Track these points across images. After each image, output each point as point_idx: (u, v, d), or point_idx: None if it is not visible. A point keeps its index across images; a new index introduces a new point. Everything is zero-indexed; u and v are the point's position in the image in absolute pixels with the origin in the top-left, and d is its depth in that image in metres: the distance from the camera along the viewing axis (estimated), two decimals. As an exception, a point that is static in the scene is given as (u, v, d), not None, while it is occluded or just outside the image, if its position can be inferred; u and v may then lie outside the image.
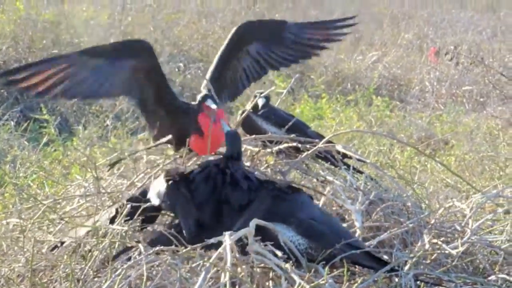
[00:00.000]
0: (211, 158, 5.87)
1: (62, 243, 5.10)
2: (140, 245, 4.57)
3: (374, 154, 8.71)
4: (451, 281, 4.81)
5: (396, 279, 4.69)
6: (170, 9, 18.60)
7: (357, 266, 4.85)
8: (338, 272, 4.52)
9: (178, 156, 5.93)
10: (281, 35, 6.24)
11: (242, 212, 4.78)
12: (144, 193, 5.06)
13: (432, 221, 5.41)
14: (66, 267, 4.93)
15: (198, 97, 5.75)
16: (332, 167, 6.14)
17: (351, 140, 9.72)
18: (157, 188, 4.96)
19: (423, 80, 15.61)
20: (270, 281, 4.66)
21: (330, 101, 12.99)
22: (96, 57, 5.51)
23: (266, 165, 6.02)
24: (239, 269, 4.48)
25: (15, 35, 14.30)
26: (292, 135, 6.08)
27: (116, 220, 4.98)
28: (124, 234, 5.07)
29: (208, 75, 6.08)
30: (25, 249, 5.18)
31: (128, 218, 4.97)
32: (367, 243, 5.06)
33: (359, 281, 4.61)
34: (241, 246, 4.46)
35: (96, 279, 4.72)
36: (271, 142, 6.10)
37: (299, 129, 6.43)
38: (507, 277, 5.00)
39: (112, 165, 6.12)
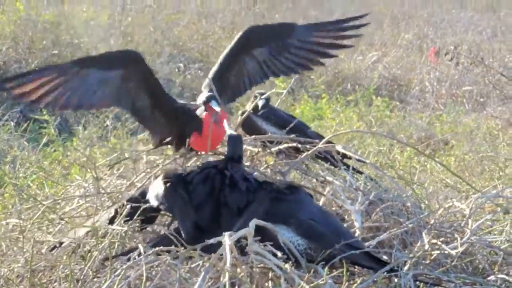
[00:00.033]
0: (211, 158, 5.88)
1: (61, 243, 5.11)
2: (139, 245, 4.57)
3: (374, 154, 8.71)
4: (450, 281, 4.81)
5: (396, 280, 4.69)
6: (170, 9, 18.61)
7: (356, 267, 4.85)
8: (337, 273, 4.52)
9: (178, 156, 5.94)
10: (288, 41, 6.19)
11: (240, 214, 4.78)
12: (143, 194, 5.06)
13: (432, 221, 5.41)
14: (65, 268, 4.93)
15: (202, 97, 5.73)
16: (332, 167, 6.14)
17: (351, 140, 9.72)
18: (156, 190, 4.97)
19: (423, 80, 15.61)
20: (270, 282, 4.66)
21: (330, 102, 12.99)
22: (87, 67, 5.52)
23: (266, 165, 6.02)
24: (238, 270, 4.47)
25: (15, 35, 14.30)
26: (292, 136, 6.07)
27: (115, 220, 4.99)
28: (123, 234, 5.07)
29: (210, 75, 6.07)
30: (24, 250, 5.19)
31: (128, 218, 4.98)
32: (366, 244, 5.06)
33: (358, 282, 4.61)
34: (240, 247, 4.46)
35: (95, 279, 4.73)
36: (271, 142, 6.09)
37: (299, 129, 6.43)
38: (507, 277, 5.00)
39: (112, 165, 6.13)
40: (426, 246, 5.07)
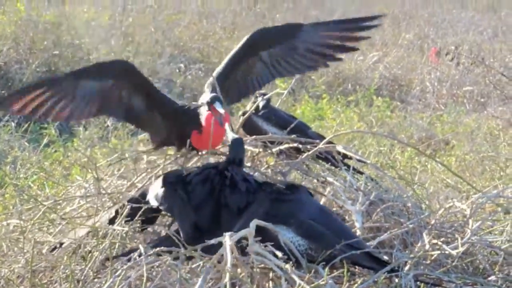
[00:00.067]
0: (212, 159, 5.88)
1: (62, 244, 5.11)
2: (140, 246, 4.57)
3: (374, 154, 8.71)
4: (451, 282, 4.81)
5: (396, 280, 4.69)
6: (171, 10, 18.61)
7: (357, 267, 4.85)
8: (338, 273, 4.52)
9: (179, 155, 5.94)
10: (295, 42, 6.17)
11: (240, 215, 4.78)
12: (143, 194, 5.07)
13: (432, 222, 5.41)
14: (66, 268, 4.94)
15: (206, 97, 5.73)
16: (333, 167, 6.13)
17: (352, 140, 9.72)
18: (155, 190, 4.97)
19: (424, 81, 15.61)
20: (270, 282, 4.66)
21: (330, 102, 12.99)
22: (79, 79, 5.55)
23: (267, 166, 6.02)
24: (239, 270, 4.48)
25: (16, 36, 14.31)
26: (293, 136, 6.07)
27: (116, 221, 5.00)
28: (124, 235, 5.08)
29: (214, 75, 6.06)
30: (25, 250, 5.20)
31: (128, 219, 4.98)
32: (367, 244, 5.05)
33: (359, 282, 4.61)
34: (241, 247, 4.46)
35: (96, 280, 4.73)
36: (271, 142, 6.09)
37: (300, 129, 6.43)
38: (507, 277, 5.00)
39: (110, 164, 6.14)
40: (427, 246, 5.06)
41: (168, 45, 16.23)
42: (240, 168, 5.07)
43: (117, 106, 5.71)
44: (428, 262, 5.03)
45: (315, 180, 6.11)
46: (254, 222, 4.48)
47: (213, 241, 4.42)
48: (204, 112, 5.60)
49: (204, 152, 5.88)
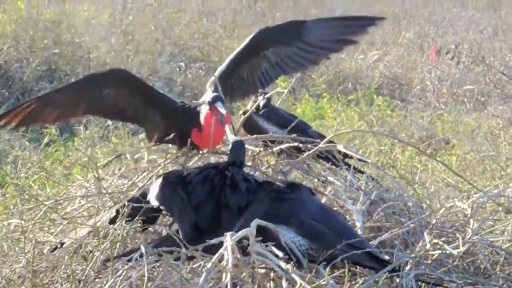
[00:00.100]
0: (213, 158, 5.89)
1: (62, 244, 5.11)
2: (141, 246, 4.57)
3: (375, 154, 8.71)
4: (452, 281, 4.81)
5: (398, 280, 4.68)
6: (171, 8, 18.63)
7: (358, 267, 4.85)
8: (339, 273, 4.52)
9: (179, 155, 5.94)
10: (299, 39, 6.17)
11: (241, 214, 4.78)
12: (144, 194, 5.07)
13: (433, 221, 5.41)
14: (67, 268, 4.94)
15: (208, 96, 5.73)
16: (333, 167, 6.14)
17: (352, 140, 9.72)
18: (156, 190, 4.97)
19: (424, 80, 15.62)
20: (271, 282, 4.66)
21: (331, 101, 12.99)
22: (81, 90, 5.62)
23: (267, 165, 6.02)
24: (240, 270, 4.47)
25: (16, 34, 14.32)
26: (293, 135, 6.07)
27: (117, 221, 5.00)
28: (125, 235, 5.07)
29: (217, 74, 6.06)
30: (26, 250, 5.20)
31: (129, 219, 4.98)
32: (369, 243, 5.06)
33: (360, 282, 4.60)
34: (242, 247, 4.46)
35: (97, 280, 4.74)
36: (272, 142, 6.09)
37: (300, 129, 6.43)
38: (508, 277, 5.01)
39: (108, 163, 6.16)
40: (428, 246, 5.06)
41: (168, 44, 16.24)
42: (240, 169, 5.07)
43: (113, 111, 5.77)
44: (429, 261, 5.03)
45: (315, 180, 6.11)
46: (255, 222, 4.47)
47: (214, 241, 4.42)
48: (205, 111, 5.60)
49: (204, 151, 5.88)
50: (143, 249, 4.50)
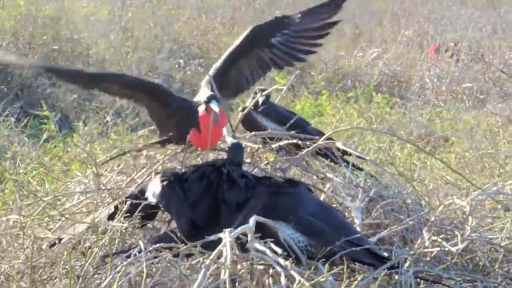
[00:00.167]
0: (211, 154, 5.89)
1: (61, 240, 5.11)
2: (140, 242, 4.57)
3: (374, 151, 8.72)
4: (451, 279, 4.82)
5: (396, 277, 4.68)
6: (170, 5, 18.57)
7: (357, 263, 4.85)
8: (338, 270, 4.52)
9: (178, 151, 5.94)
10: (288, 32, 6.21)
11: (239, 210, 4.78)
12: (142, 191, 5.07)
13: (432, 219, 5.41)
14: (66, 264, 4.94)
15: (202, 95, 5.74)
16: (332, 164, 6.14)
17: (351, 137, 9.72)
18: (153, 188, 4.97)
19: (423, 77, 15.60)
20: (270, 278, 4.66)
21: (330, 98, 12.98)
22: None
23: (266, 162, 6.02)
24: (239, 266, 4.47)
25: (15, 31, 14.29)
26: (292, 132, 6.07)
27: (115, 217, 5.00)
28: (124, 231, 5.08)
29: (211, 72, 6.08)
30: (25, 246, 5.19)
31: (128, 215, 4.99)
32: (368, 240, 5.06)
33: (359, 278, 4.61)
34: (241, 243, 4.46)
35: (96, 275, 4.73)
36: (271, 139, 6.10)
37: (299, 125, 6.43)
38: (507, 275, 5.01)
39: (106, 162, 6.18)
40: (427, 243, 5.07)
41: (168, 40, 16.20)
42: (238, 167, 5.07)
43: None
44: (428, 259, 5.04)
45: (314, 177, 6.11)
46: (254, 218, 4.47)
47: (212, 237, 4.43)
48: (201, 111, 5.62)
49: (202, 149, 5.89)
50: (142, 245, 4.51)
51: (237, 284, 4.46)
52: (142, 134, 8.27)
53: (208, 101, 5.54)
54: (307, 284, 4.21)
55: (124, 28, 16.29)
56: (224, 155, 5.62)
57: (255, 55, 6.16)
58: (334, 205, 5.69)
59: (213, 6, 19.37)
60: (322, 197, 5.69)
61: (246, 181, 4.89)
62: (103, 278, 4.54)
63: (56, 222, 5.58)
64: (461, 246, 5.04)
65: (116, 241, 5.02)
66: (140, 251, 4.50)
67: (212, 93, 5.68)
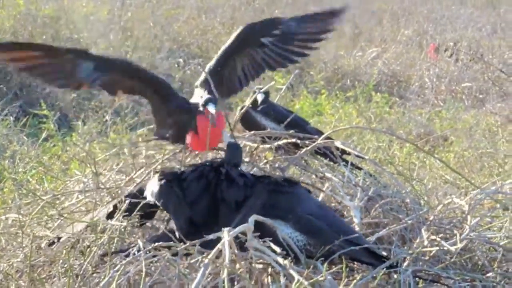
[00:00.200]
0: (210, 155, 5.89)
1: (59, 238, 5.11)
2: (139, 241, 4.58)
3: (373, 150, 8.72)
4: (449, 278, 4.81)
5: (395, 276, 4.68)
6: (170, 4, 18.58)
7: (356, 263, 4.85)
8: (337, 269, 4.52)
9: (177, 151, 5.94)
10: (281, 32, 6.20)
11: (239, 209, 4.78)
12: (141, 190, 5.08)
13: (431, 218, 5.42)
14: (64, 263, 4.94)
15: (198, 96, 5.75)
16: (331, 163, 6.14)
17: (350, 136, 9.72)
18: (152, 187, 4.98)
19: (423, 77, 15.60)
20: (269, 277, 4.66)
21: (329, 97, 12.98)
22: (82, 59, 5.56)
23: (265, 161, 6.02)
24: (237, 265, 4.47)
25: (14, 30, 14.29)
26: (291, 131, 6.08)
27: (114, 215, 5.00)
28: (123, 230, 5.08)
29: (207, 70, 6.07)
30: (23, 245, 5.19)
31: (127, 214, 4.99)
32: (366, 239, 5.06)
33: (358, 278, 4.60)
34: (240, 242, 4.46)
35: (94, 274, 4.73)
36: (270, 138, 6.10)
37: (298, 125, 6.44)
38: (506, 274, 5.01)
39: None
40: (425, 242, 5.07)
41: (167, 40, 16.21)
42: (235, 167, 5.08)
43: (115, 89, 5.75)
44: (427, 258, 5.04)
45: (313, 176, 6.12)
46: (253, 218, 4.47)
47: (211, 236, 4.43)
48: (199, 114, 5.62)
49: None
50: (141, 244, 4.51)
51: (236, 283, 4.46)
52: (141, 133, 8.26)
53: (205, 104, 5.54)
54: (306, 283, 4.21)
55: (124, 28, 16.29)
56: (222, 155, 5.62)
57: (247, 54, 6.14)
58: (333, 204, 5.70)
59: (213, 6, 19.38)
60: (321, 196, 5.69)
61: (245, 180, 4.89)
62: (102, 277, 4.54)
63: (55, 221, 5.58)
64: (460, 245, 5.04)
65: (115, 240, 5.02)
66: (139, 250, 4.50)
67: (209, 96, 5.67)
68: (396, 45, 18.29)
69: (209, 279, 4.41)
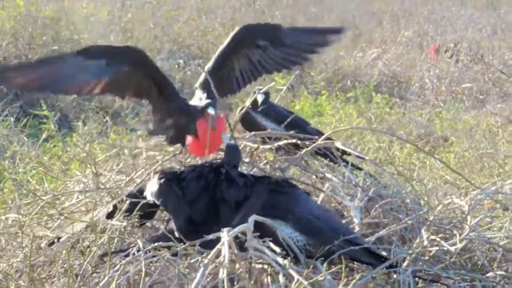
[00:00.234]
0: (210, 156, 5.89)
1: (59, 238, 5.11)
2: (139, 241, 4.58)
3: (373, 150, 8.72)
4: (449, 278, 4.81)
5: (395, 276, 4.68)
6: (170, 5, 18.58)
7: (355, 262, 4.85)
8: (336, 269, 4.52)
9: (178, 152, 5.94)
10: (278, 38, 6.19)
11: (239, 209, 4.78)
12: (141, 190, 5.08)
13: (431, 218, 5.42)
14: (64, 263, 4.94)
15: (200, 100, 5.74)
16: (331, 163, 6.15)
17: (351, 137, 9.72)
18: (151, 186, 4.98)
19: (423, 77, 15.61)
20: (268, 277, 4.66)
21: (329, 98, 12.97)
22: (91, 58, 5.49)
23: (265, 161, 6.03)
24: (237, 265, 4.47)
25: (15, 31, 14.30)
26: (292, 132, 6.08)
27: (114, 215, 5.00)
28: (123, 230, 5.08)
29: (206, 70, 6.07)
30: (23, 245, 5.19)
31: (127, 214, 4.99)
32: (366, 240, 5.06)
33: (357, 277, 4.60)
34: (239, 242, 4.46)
35: (94, 274, 4.73)
36: (270, 138, 6.10)
37: (299, 125, 6.45)
38: (506, 274, 5.00)
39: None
40: (425, 243, 5.07)
41: (167, 41, 16.22)
42: (235, 169, 5.09)
43: (125, 88, 5.66)
44: (427, 258, 5.04)
45: (313, 176, 6.11)
46: (253, 218, 4.48)
47: (211, 236, 4.43)
48: (199, 118, 5.61)
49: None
50: (140, 244, 4.51)
51: (235, 283, 4.46)
52: (141, 134, 8.26)
53: (205, 107, 5.54)
54: (306, 283, 4.21)
55: (124, 29, 16.31)
56: (222, 155, 5.62)
57: (244, 54, 6.13)
58: (333, 205, 5.70)
59: (213, 7, 19.38)
60: (321, 196, 5.69)
61: (245, 180, 4.90)
62: (102, 277, 4.54)
63: (55, 221, 5.59)
64: (459, 245, 5.04)
65: (115, 240, 5.02)
66: (138, 250, 4.51)
67: (208, 100, 5.67)
68: (397, 46, 18.30)
69: (208, 279, 4.41)
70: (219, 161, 5.22)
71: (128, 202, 4.98)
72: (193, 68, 14.98)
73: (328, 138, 5.94)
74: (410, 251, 4.96)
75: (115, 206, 5.08)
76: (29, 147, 9.20)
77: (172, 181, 4.96)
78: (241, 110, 6.42)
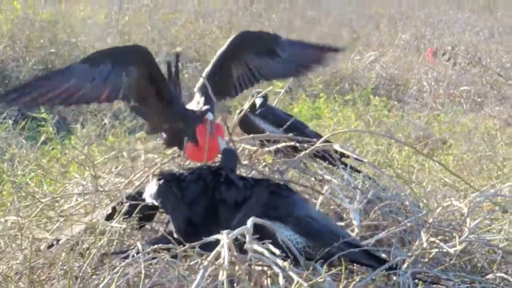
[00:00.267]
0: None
1: (58, 241, 5.11)
2: (138, 243, 4.57)
3: (372, 153, 8.72)
4: (449, 280, 4.81)
5: (394, 278, 4.68)
6: (167, 9, 18.62)
7: (355, 265, 4.85)
8: (336, 271, 4.51)
9: (176, 155, 5.94)
10: (275, 49, 6.18)
11: (238, 210, 4.78)
12: (140, 193, 5.08)
13: (430, 220, 5.42)
14: (64, 265, 4.93)
15: (197, 105, 5.75)
16: (330, 166, 6.14)
17: (349, 139, 9.72)
18: (150, 188, 4.98)
19: (421, 80, 15.64)
20: (268, 279, 4.66)
21: (328, 101, 12.99)
22: (97, 65, 5.44)
23: (264, 164, 6.02)
24: (237, 267, 4.47)
25: (12, 34, 14.32)
26: (290, 134, 6.08)
27: (114, 217, 5.00)
28: (122, 232, 5.07)
29: (205, 74, 6.07)
30: (23, 247, 5.18)
31: (126, 216, 4.99)
32: (365, 242, 5.06)
33: (357, 279, 4.60)
34: (239, 244, 4.46)
35: (94, 276, 4.73)
36: (269, 141, 6.10)
37: (297, 128, 6.44)
38: (505, 276, 5.00)
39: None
40: (425, 245, 5.07)
41: (165, 44, 16.23)
42: (232, 172, 5.10)
43: (131, 91, 5.60)
44: (426, 260, 5.04)
45: (312, 178, 6.11)
46: (252, 220, 4.47)
47: (211, 239, 4.42)
48: (197, 125, 5.61)
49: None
50: (140, 246, 4.51)
51: (235, 285, 4.45)
52: (140, 136, 8.26)
53: (204, 113, 5.54)
54: (305, 284, 4.21)
55: (121, 32, 16.34)
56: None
57: (242, 60, 6.12)
58: (332, 207, 5.71)
59: (210, 10, 19.42)
60: (320, 199, 5.69)
61: (244, 182, 4.90)
62: (101, 279, 4.53)
63: (54, 223, 5.58)
64: (459, 247, 5.04)
65: (115, 242, 5.02)
66: (138, 252, 4.50)
67: (207, 106, 5.67)
68: (394, 49, 18.35)
69: (208, 281, 4.41)
70: (217, 164, 5.23)
71: (127, 204, 4.98)
72: (191, 71, 14.99)
73: (326, 141, 5.93)
74: (409, 253, 4.96)
75: (114, 208, 5.07)
76: (28, 150, 9.19)
77: (171, 182, 4.96)
78: (240, 113, 6.41)
